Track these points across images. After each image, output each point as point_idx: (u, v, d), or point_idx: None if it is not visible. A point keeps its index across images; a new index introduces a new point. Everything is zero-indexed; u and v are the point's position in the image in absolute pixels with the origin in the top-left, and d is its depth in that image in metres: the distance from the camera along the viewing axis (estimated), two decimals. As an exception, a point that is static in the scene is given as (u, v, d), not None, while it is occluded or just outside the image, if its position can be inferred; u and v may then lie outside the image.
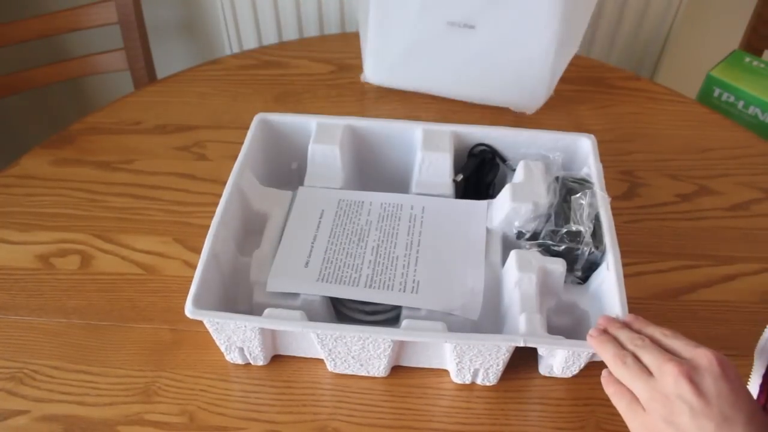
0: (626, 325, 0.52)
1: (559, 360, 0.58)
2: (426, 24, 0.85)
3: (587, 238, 0.61)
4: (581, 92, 0.94)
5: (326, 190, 0.70)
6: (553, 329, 0.58)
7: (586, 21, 0.86)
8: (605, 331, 0.52)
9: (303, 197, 0.70)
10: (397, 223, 0.67)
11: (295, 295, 0.61)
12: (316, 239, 0.65)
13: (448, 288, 0.61)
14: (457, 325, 0.60)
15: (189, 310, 0.55)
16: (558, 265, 0.60)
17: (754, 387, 0.51)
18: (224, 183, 0.65)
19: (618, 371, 0.48)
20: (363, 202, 0.69)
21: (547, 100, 0.90)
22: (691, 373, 0.44)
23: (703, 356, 0.45)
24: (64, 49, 1.34)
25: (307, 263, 0.63)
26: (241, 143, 0.70)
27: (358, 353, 0.58)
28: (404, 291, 0.61)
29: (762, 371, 0.50)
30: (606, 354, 0.49)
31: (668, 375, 0.44)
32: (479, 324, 0.61)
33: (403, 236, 0.66)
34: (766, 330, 0.49)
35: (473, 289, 0.61)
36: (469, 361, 0.58)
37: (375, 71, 0.93)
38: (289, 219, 0.67)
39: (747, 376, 0.62)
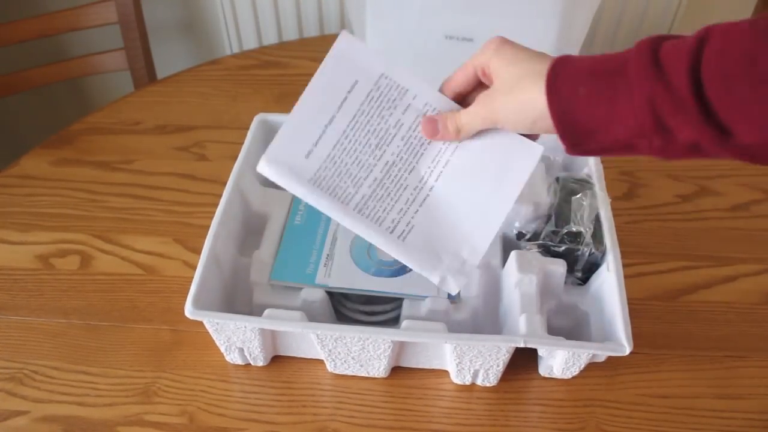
0: None
1: (559, 361, 0.58)
2: (424, 38, 0.85)
3: (588, 238, 0.61)
4: (581, 92, 0.94)
5: (371, 54, 0.56)
6: (553, 330, 0.58)
7: (584, 31, 0.86)
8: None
9: (340, 53, 0.55)
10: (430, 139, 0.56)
11: (296, 295, 0.61)
12: (332, 122, 0.54)
13: (440, 248, 0.55)
14: (457, 325, 0.60)
15: (189, 311, 0.55)
16: (558, 266, 0.60)
17: None
18: (224, 183, 0.65)
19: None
20: (407, 90, 0.56)
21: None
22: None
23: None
24: (64, 49, 1.34)
25: (309, 153, 0.54)
26: (241, 143, 0.70)
27: (358, 354, 0.58)
28: (391, 232, 0.55)
29: None
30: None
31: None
32: (479, 325, 0.61)
33: (428, 159, 0.56)
34: None
35: (467, 260, 0.55)
36: (469, 362, 0.58)
37: None
38: (315, 77, 0.55)
39: (749, 377, 0.62)
